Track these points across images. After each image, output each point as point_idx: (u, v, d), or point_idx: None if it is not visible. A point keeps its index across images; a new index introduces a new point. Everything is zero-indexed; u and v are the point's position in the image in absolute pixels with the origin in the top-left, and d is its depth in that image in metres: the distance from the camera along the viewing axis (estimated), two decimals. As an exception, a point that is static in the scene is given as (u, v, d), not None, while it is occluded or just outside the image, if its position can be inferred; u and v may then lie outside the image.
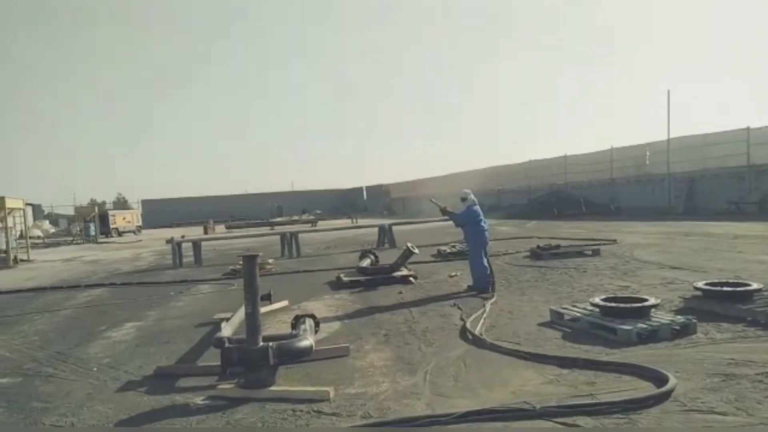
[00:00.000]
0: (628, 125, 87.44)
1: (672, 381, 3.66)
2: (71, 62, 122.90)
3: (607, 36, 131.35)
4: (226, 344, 4.20)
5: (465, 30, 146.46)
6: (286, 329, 5.46)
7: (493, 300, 7.24)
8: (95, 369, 5.07)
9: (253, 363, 4.09)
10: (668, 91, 28.52)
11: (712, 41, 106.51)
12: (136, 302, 8.97)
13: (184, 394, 4.20)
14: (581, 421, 3.25)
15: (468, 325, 5.83)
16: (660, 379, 3.78)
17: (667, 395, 3.51)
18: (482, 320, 6.08)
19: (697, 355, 4.43)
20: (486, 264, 8.07)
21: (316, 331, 5.28)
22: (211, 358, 4.90)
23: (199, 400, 4.03)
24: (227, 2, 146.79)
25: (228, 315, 6.11)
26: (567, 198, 32.13)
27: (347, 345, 5.18)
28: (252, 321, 4.15)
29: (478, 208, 8.37)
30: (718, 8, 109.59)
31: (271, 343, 4.13)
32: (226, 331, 4.93)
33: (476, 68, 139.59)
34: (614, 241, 14.04)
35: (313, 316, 5.41)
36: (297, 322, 5.20)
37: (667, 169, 28.24)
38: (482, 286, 7.96)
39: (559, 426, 3.21)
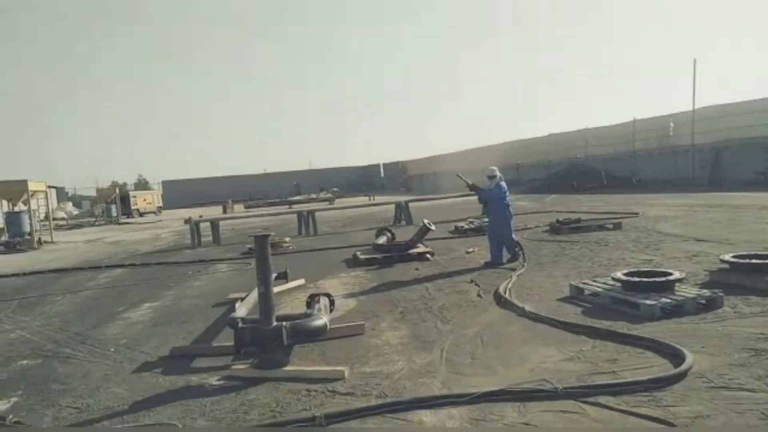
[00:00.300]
0: (652, 97, 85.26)
1: (689, 359, 3.52)
2: (96, 48, 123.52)
3: (630, 4, 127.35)
4: (240, 324, 4.16)
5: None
6: (302, 307, 5.42)
7: (522, 271, 7.30)
8: (112, 350, 5.10)
9: (266, 343, 4.04)
10: (694, 60, 27.69)
11: (741, 8, 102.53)
12: (155, 282, 9.04)
13: (199, 374, 4.18)
14: (603, 400, 3.13)
15: (501, 290, 6.09)
16: (676, 356, 3.65)
17: (684, 375, 3.38)
18: (507, 290, 6.09)
19: (723, 329, 4.27)
20: (514, 236, 8.39)
21: (331, 310, 5.23)
22: (227, 338, 4.87)
23: (213, 380, 4.01)
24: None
25: (243, 294, 6.09)
26: (587, 171, 31.50)
27: (362, 323, 5.12)
28: (265, 301, 4.09)
29: (504, 184, 8.47)
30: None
31: (284, 323, 4.08)
32: (241, 311, 4.90)
33: (495, 40, 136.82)
34: (636, 214, 13.74)
35: (328, 295, 5.35)
36: (312, 300, 5.15)
37: (691, 140, 27.47)
38: (512, 252, 8.25)
39: (581, 406, 3.10)
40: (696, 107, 27.49)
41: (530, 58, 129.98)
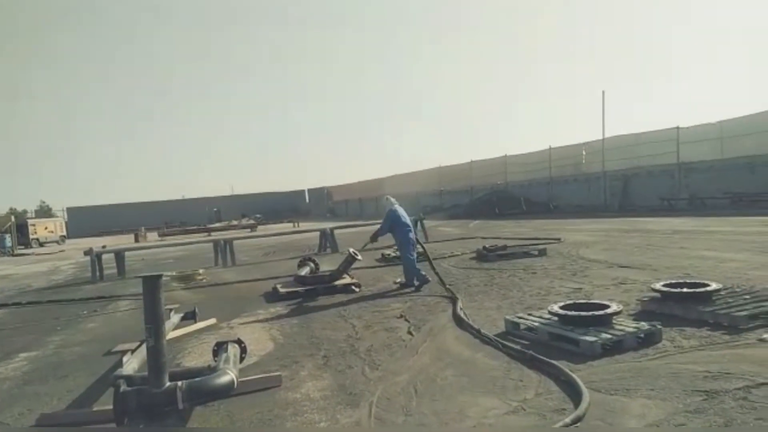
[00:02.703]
0: (567, 125, 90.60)
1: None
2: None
3: (548, 37, 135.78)
4: (122, 386, 3.37)
5: (404, 30, 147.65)
6: (210, 355, 4.67)
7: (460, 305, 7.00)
8: (-39, 421, 4.10)
9: (156, 409, 3.30)
10: (603, 92, 29.44)
11: (646, 41, 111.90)
12: (39, 325, 7.83)
13: (69, 452, 3.35)
14: (558, 466, 2.69)
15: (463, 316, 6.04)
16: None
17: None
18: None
19: (668, 367, 4.01)
20: (411, 258, 8.45)
21: (242, 358, 4.53)
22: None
23: (86, 460, 3.21)
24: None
25: (135, 344, 5.21)
26: (508, 197, 32.49)
27: (279, 374, 4.45)
28: (155, 357, 3.36)
29: (396, 210, 8.67)
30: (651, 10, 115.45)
31: (180, 383, 3.36)
32: (131, 365, 4.10)
33: (418, 70, 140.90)
34: (558, 239, 13.94)
35: (238, 341, 4.64)
36: (219, 349, 4.43)
37: (602, 167, 29.00)
38: (409, 282, 8.44)
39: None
40: (606, 136, 29.14)
41: (452, 89, 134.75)
